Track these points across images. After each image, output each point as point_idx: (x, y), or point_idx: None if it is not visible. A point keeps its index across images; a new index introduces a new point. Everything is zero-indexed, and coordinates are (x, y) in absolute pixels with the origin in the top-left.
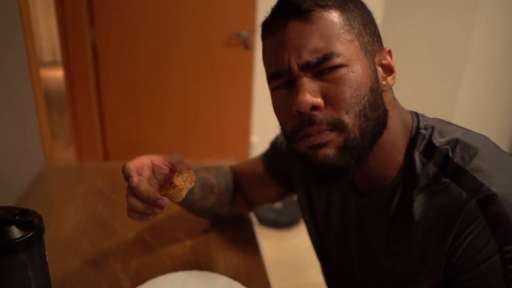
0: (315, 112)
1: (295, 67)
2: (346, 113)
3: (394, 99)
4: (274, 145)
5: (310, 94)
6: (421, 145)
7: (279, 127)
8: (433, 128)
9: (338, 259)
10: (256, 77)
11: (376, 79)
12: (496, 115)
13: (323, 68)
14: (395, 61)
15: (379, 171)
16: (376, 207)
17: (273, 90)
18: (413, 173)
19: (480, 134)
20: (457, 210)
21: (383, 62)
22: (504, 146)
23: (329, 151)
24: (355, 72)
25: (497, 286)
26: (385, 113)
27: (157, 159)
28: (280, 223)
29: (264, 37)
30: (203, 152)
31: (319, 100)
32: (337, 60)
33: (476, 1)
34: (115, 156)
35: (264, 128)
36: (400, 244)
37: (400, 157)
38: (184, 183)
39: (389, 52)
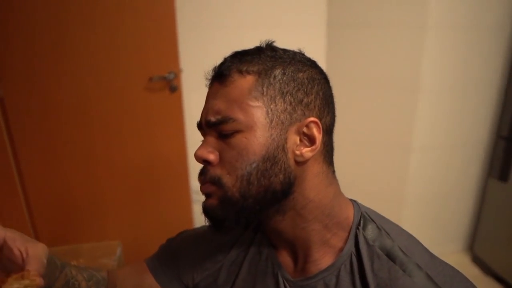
0: (208, 166)
1: (203, 123)
2: (228, 174)
3: (326, 175)
4: (171, 243)
5: (206, 150)
6: (366, 227)
7: None
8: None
9: None
10: (187, 120)
11: (278, 148)
12: (460, 144)
13: (222, 129)
14: (343, 94)
15: (309, 250)
16: None
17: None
18: (359, 256)
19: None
20: None
21: (304, 130)
22: (474, 178)
23: (212, 202)
24: (248, 139)
25: None
26: (288, 182)
27: (12, 239)
28: None
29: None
30: (141, 204)
31: (210, 156)
32: (232, 125)
33: (425, 20)
34: (41, 220)
35: None
36: None
37: (335, 240)
38: None
39: (316, 124)
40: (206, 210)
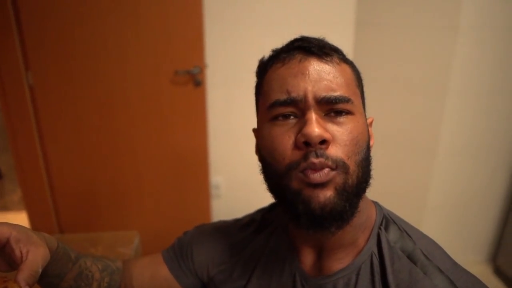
0: (323, 147)
1: (309, 97)
2: (349, 158)
3: None
4: (187, 236)
5: (321, 127)
6: (388, 228)
7: (265, 162)
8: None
9: None
10: (209, 115)
11: (369, 139)
12: (485, 150)
13: (334, 108)
14: (368, 94)
15: (336, 250)
16: None
17: (270, 120)
18: (380, 256)
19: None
20: None
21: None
22: (500, 187)
23: (330, 193)
24: (359, 124)
25: None
26: (370, 174)
27: (16, 239)
28: None
29: (268, 66)
30: (160, 196)
31: (329, 135)
32: (350, 106)
33: (457, 21)
34: (64, 207)
35: (227, 167)
36: None
37: (359, 240)
38: None
39: (371, 123)
40: (324, 206)
